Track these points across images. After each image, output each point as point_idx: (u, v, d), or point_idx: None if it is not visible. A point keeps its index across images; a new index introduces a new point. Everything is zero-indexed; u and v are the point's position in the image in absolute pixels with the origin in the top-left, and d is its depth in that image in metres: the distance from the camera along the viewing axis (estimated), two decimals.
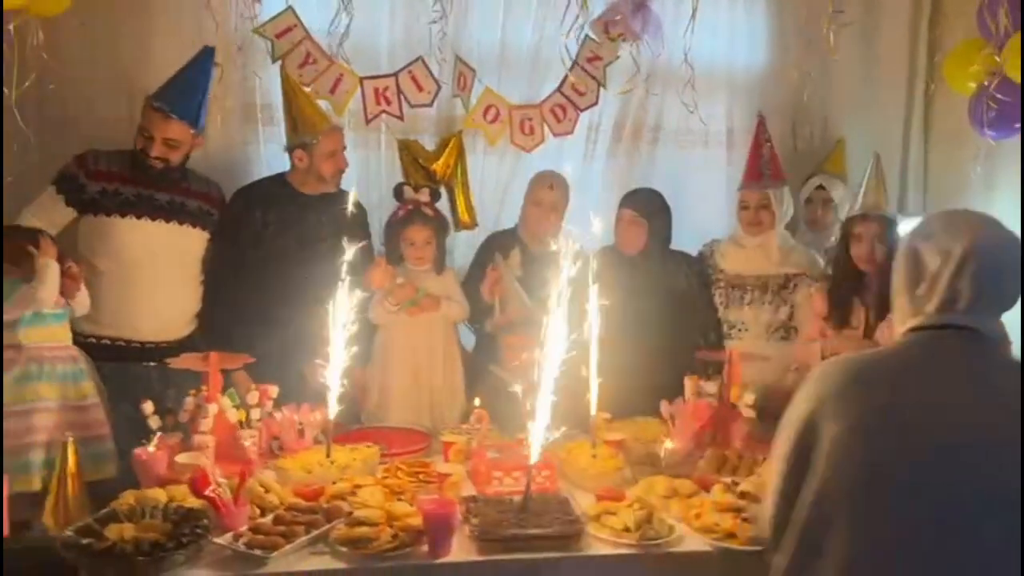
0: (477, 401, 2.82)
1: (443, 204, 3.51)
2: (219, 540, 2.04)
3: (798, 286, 3.32)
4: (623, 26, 3.52)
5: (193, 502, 2.20)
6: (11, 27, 2.87)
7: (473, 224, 3.66)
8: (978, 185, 3.60)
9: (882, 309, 2.98)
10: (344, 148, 3.28)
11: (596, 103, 3.66)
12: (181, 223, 3.11)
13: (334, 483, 2.39)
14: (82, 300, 2.85)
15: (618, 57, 3.62)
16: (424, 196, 3.36)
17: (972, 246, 1.57)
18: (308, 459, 2.56)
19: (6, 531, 2.22)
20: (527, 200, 3.43)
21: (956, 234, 1.59)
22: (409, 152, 3.57)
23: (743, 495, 2.38)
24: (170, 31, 3.33)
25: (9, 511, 2.25)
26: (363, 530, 2.05)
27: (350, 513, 2.15)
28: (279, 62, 3.35)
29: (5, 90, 2.93)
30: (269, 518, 2.15)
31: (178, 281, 3.16)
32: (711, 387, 2.92)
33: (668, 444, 2.67)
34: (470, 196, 3.65)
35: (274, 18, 3.34)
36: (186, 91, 3.02)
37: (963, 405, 1.52)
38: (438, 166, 3.58)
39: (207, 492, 2.12)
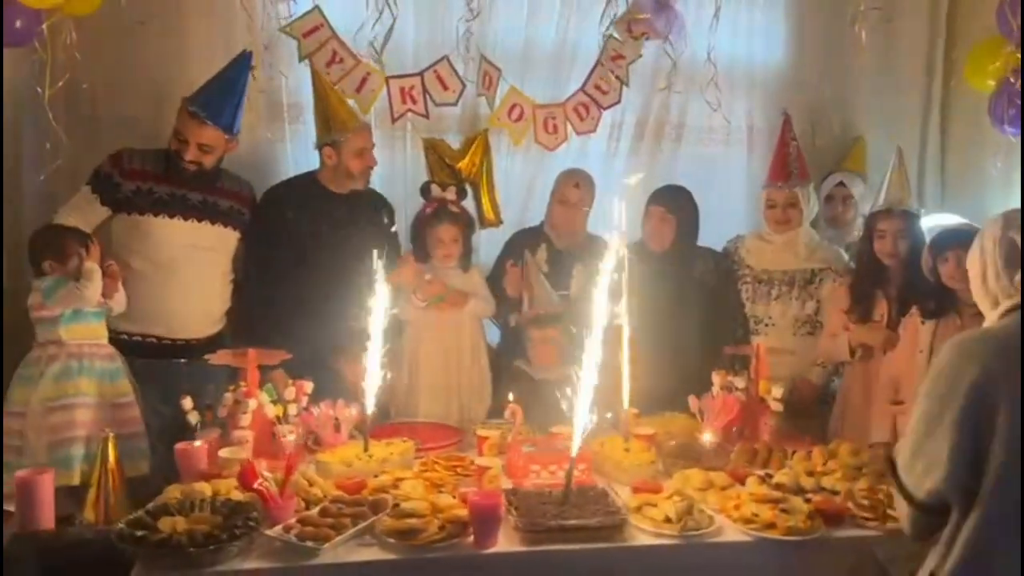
0: (511, 396, 2.85)
1: (468, 202, 3.55)
2: (269, 532, 2.06)
3: (823, 281, 3.35)
4: (646, 25, 3.55)
5: (236, 495, 2.24)
6: (44, 27, 2.90)
7: (498, 222, 3.69)
8: (997, 181, 3.64)
9: (904, 303, 3.02)
10: (372, 146, 3.30)
11: (619, 102, 3.70)
12: (213, 222, 3.15)
13: (375, 476, 2.42)
14: (119, 299, 2.89)
15: (640, 56, 3.66)
16: (450, 194, 3.40)
17: None
18: (347, 453, 2.59)
19: (50, 524, 2.26)
20: (553, 198, 3.46)
21: None
22: (435, 150, 3.61)
23: (778, 486, 2.42)
24: (199, 30, 3.37)
25: (54, 505, 2.29)
26: (411, 521, 2.08)
27: (396, 505, 2.18)
28: (305, 61, 3.38)
29: (38, 89, 2.96)
30: (315, 510, 2.18)
31: (209, 279, 3.19)
32: (739, 381, 2.95)
33: (708, 437, 2.70)
34: (495, 194, 3.69)
35: (301, 17, 3.36)
36: (222, 96, 3.04)
37: None
38: (463, 164, 3.61)
39: (256, 485, 2.15)
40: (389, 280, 2.81)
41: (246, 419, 2.62)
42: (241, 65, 3.12)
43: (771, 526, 2.18)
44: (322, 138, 3.27)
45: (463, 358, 3.33)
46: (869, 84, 3.89)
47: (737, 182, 3.89)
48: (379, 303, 2.62)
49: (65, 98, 3.12)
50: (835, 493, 2.42)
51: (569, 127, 3.67)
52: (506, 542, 2.12)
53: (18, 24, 2.85)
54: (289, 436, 2.60)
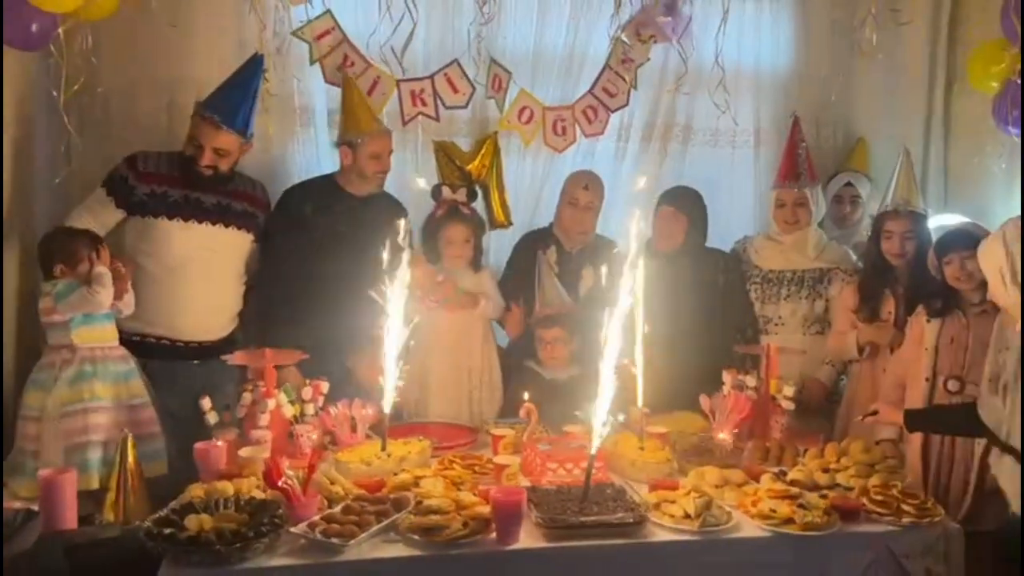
0: (526, 395, 2.88)
1: (478, 204, 3.58)
2: (295, 530, 2.09)
3: (832, 281, 3.39)
4: (654, 28, 3.58)
5: (258, 494, 2.26)
6: (60, 31, 2.91)
7: (508, 223, 3.72)
8: (1000, 181, 3.68)
9: (912, 302, 3.06)
10: (390, 152, 3.34)
11: (627, 104, 3.73)
12: (227, 225, 3.16)
13: (395, 475, 2.45)
14: (128, 300, 2.90)
15: (648, 59, 3.69)
16: (461, 196, 3.43)
17: None
18: (365, 452, 2.62)
19: (74, 524, 2.28)
20: (562, 199, 3.49)
21: None
22: (445, 153, 3.64)
23: (794, 483, 2.45)
24: (212, 34, 3.38)
25: (76, 507, 2.30)
26: (435, 518, 2.10)
27: (419, 503, 2.21)
28: (317, 64, 3.41)
29: (54, 92, 2.98)
30: (338, 508, 2.20)
31: (221, 281, 3.21)
32: (750, 380, 2.98)
33: (723, 436, 2.74)
34: (505, 196, 3.71)
35: (312, 21, 3.39)
36: (236, 100, 3.05)
37: None
38: (473, 166, 3.64)
39: (280, 483, 2.17)
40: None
41: (265, 419, 2.64)
42: (253, 68, 3.13)
43: (789, 521, 2.22)
44: (341, 137, 3.31)
45: (474, 358, 3.36)
46: (874, 86, 3.92)
47: (744, 184, 3.91)
48: (395, 304, 2.64)
49: (79, 102, 3.14)
50: (849, 489, 2.46)
51: (578, 129, 3.70)
52: (528, 539, 2.16)
53: (34, 28, 2.86)
54: (312, 435, 2.61)
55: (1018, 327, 2.21)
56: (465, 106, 3.60)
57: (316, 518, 2.14)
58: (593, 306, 3.21)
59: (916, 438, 2.89)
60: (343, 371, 3.12)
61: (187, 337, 3.13)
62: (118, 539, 2.15)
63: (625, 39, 3.62)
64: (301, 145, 3.60)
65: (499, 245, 3.71)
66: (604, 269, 2.79)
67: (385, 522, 2.13)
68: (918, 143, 3.95)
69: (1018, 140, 3.42)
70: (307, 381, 2.83)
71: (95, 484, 2.60)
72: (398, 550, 2.09)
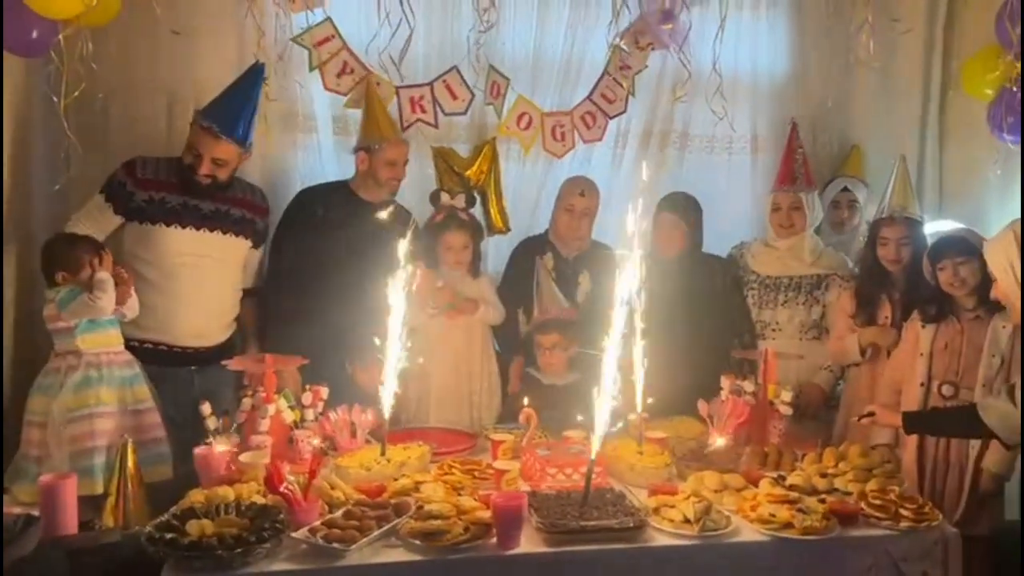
0: (526, 400, 2.89)
1: (476, 210, 3.60)
2: (296, 535, 2.09)
3: (829, 286, 3.41)
4: (653, 36, 3.60)
5: (259, 499, 2.27)
6: (61, 37, 2.92)
7: (506, 229, 3.73)
8: (995, 188, 3.71)
9: (907, 307, 3.09)
10: (406, 161, 3.36)
11: (625, 111, 3.75)
12: (224, 232, 3.16)
13: (395, 480, 2.45)
14: (132, 304, 2.90)
15: (646, 66, 3.71)
16: (460, 202, 3.45)
17: None
18: (365, 457, 2.62)
19: (74, 529, 2.28)
20: (558, 206, 3.50)
21: None
22: (444, 159, 3.65)
23: (792, 487, 2.47)
24: (212, 41, 3.39)
25: (77, 512, 2.30)
26: (436, 523, 2.11)
27: (420, 507, 2.22)
28: (317, 71, 3.43)
29: (54, 98, 2.98)
30: (339, 513, 2.21)
31: (218, 287, 3.20)
32: (748, 386, 2.99)
33: (720, 441, 2.75)
34: (503, 202, 3.73)
35: (312, 27, 3.40)
36: (236, 110, 3.04)
37: None
38: (472, 172, 3.66)
39: (281, 488, 2.17)
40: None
41: (265, 424, 2.65)
42: (253, 77, 3.13)
43: (788, 526, 2.23)
44: (359, 143, 3.34)
45: (473, 364, 3.37)
46: (870, 93, 3.95)
47: (741, 190, 3.93)
48: (397, 310, 2.65)
49: (79, 107, 3.14)
50: (847, 494, 2.47)
51: (576, 135, 3.71)
52: (528, 543, 2.16)
53: (34, 35, 2.87)
54: (313, 440, 2.62)
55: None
56: (464, 113, 3.62)
57: (317, 523, 2.15)
58: (591, 312, 3.23)
59: (912, 443, 2.91)
60: (344, 376, 3.13)
61: (184, 343, 3.13)
62: (119, 544, 2.16)
63: (623, 46, 3.64)
64: (302, 151, 3.61)
65: (497, 251, 3.73)
66: (606, 274, 2.79)
67: (386, 527, 2.14)
68: (914, 149, 3.97)
69: (1013, 147, 3.46)
70: (307, 387, 2.83)
71: (100, 489, 2.59)
72: (399, 555, 2.09)
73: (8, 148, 2.96)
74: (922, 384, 2.91)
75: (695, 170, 3.89)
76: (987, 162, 3.65)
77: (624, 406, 2.73)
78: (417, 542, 2.10)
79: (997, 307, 2.80)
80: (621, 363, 2.42)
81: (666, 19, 3.50)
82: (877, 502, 2.35)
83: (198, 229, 3.12)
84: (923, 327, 2.95)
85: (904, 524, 2.30)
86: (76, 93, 2.99)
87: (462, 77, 3.55)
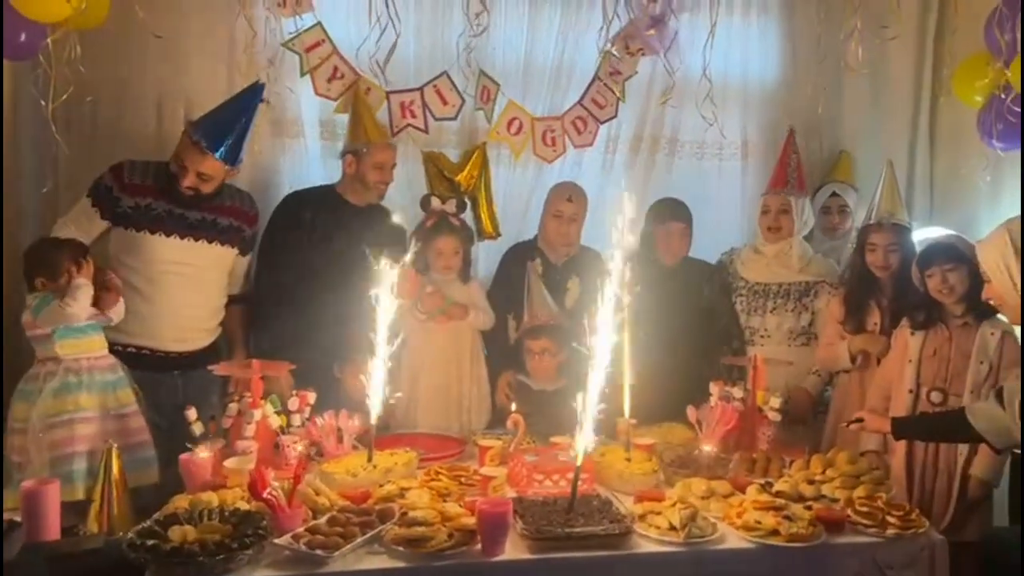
0: (514, 406, 2.88)
1: (467, 215, 3.59)
2: (279, 541, 2.08)
3: (818, 294, 3.41)
4: (642, 41, 3.61)
5: (243, 505, 2.26)
6: (49, 40, 2.91)
7: (496, 234, 3.73)
8: (984, 194, 3.72)
9: (896, 314, 3.09)
10: (394, 165, 3.36)
11: (615, 116, 3.75)
12: (210, 241, 3.13)
13: (381, 486, 2.44)
14: (118, 310, 2.89)
15: (636, 72, 3.71)
16: (451, 207, 3.44)
17: None
18: (351, 463, 2.61)
19: (56, 535, 2.27)
20: (546, 212, 3.50)
21: None
22: (434, 164, 3.65)
23: (779, 494, 2.46)
24: (202, 45, 3.39)
25: (60, 518, 2.29)
26: (420, 530, 2.10)
27: (404, 514, 2.21)
28: (307, 76, 3.43)
29: (42, 102, 2.97)
30: (323, 520, 2.19)
31: (203, 293, 3.18)
32: (737, 392, 2.99)
33: (706, 448, 2.74)
34: (493, 207, 3.73)
35: (302, 32, 3.40)
36: (227, 129, 3.00)
37: None
38: (462, 177, 3.65)
39: (265, 494, 2.16)
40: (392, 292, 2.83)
41: (250, 429, 2.64)
42: (251, 96, 3.10)
43: (774, 533, 2.23)
44: (346, 146, 3.33)
45: (463, 369, 3.36)
46: (860, 100, 3.95)
47: (731, 196, 3.93)
48: (384, 315, 2.64)
49: (67, 111, 3.13)
50: (834, 501, 2.46)
51: (567, 140, 3.71)
52: (513, 550, 2.15)
53: (23, 38, 2.87)
54: (298, 446, 2.60)
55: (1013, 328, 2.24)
56: (455, 118, 3.62)
57: (301, 529, 2.13)
58: (579, 317, 3.22)
59: (900, 448, 2.91)
60: (332, 381, 3.11)
61: (169, 347, 3.11)
62: (100, 550, 2.14)
63: (614, 52, 3.64)
64: (292, 156, 3.60)
65: (487, 256, 3.72)
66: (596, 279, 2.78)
67: (370, 534, 2.13)
68: (904, 156, 3.98)
69: (1002, 154, 3.46)
70: (294, 392, 2.82)
71: (80, 495, 2.59)
72: (383, 562, 2.08)
73: None
74: (911, 391, 2.91)
75: (685, 176, 3.88)
76: (977, 168, 3.66)
77: (612, 412, 2.74)
78: (401, 549, 2.09)
79: (985, 314, 2.81)
80: (609, 370, 2.41)
81: (653, 25, 3.50)
82: (864, 509, 2.35)
83: (183, 238, 3.09)
84: (912, 334, 2.95)
85: (891, 531, 2.29)
86: (64, 96, 2.99)
87: (452, 82, 3.54)
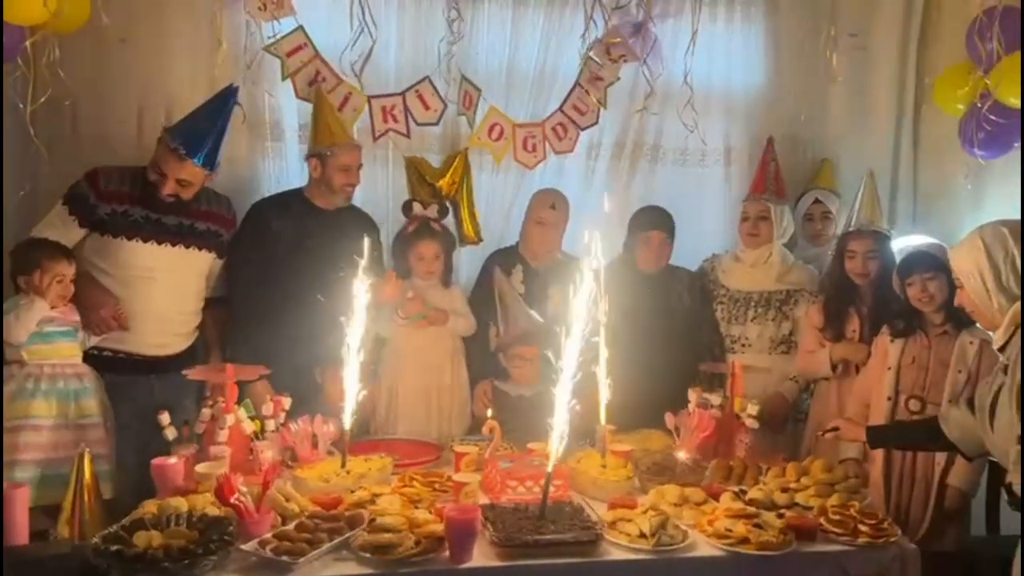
0: (490, 412, 2.87)
1: (448, 220, 3.58)
2: (245, 547, 2.07)
3: (799, 302, 3.40)
4: (624, 48, 3.61)
5: (213, 510, 2.24)
6: (28, 43, 2.91)
7: (478, 240, 3.72)
8: (967, 201, 3.72)
9: (875, 322, 3.09)
10: (360, 166, 3.34)
11: (596, 122, 3.75)
12: (188, 246, 3.12)
13: (352, 492, 2.43)
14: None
15: (618, 78, 3.71)
16: (432, 212, 3.44)
17: None
18: (324, 469, 2.60)
19: (24, 539, 2.25)
20: (528, 218, 3.49)
21: None
22: (416, 169, 3.64)
23: (751, 502, 2.45)
24: (182, 48, 3.39)
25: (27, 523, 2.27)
26: (387, 536, 2.09)
27: (372, 520, 2.20)
28: (288, 80, 3.42)
29: (20, 105, 2.97)
30: (292, 526, 2.19)
31: (180, 298, 3.18)
32: (715, 399, 2.99)
33: (681, 455, 2.73)
34: (475, 212, 3.71)
35: (284, 36, 3.40)
36: (204, 132, 3.00)
37: None
38: (444, 183, 3.64)
39: (232, 500, 2.15)
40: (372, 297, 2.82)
41: (223, 435, 2.63)
42: (225, 99, 3.09)
43: (744, 541, 2.22)
44: (311, 148, 3.30)
45: (443, 375, 3.35)
46: (843, 108, 3.95)
47: (713, 203, 3.91)
48: (358, 319, 2.63)
49: (46, 114, 3.12)
50: (808, 509, 2.45)
51: (547, 146, 3.71)
52: (482, 557, 2.14)
53: (2, 40, 2.86)
54: (267, 452, 2.59)
55: (993, 334, 2.22)
56: (436, 123, 3.61)
57: (268, 535, 2.13)
58: (560, 324, 3.20)
59: (879, 457, 2.91)
60: (313, 386, 3.10)
61: (144, 351, 3.10)
62: (66, 556, 2.12)
63: (595, 58, 3.64)
64: (271, 160, 3.59)
65: (470, 262, 3.71)
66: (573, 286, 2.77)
67: (337, 540, 2.12)
68: (887, 164, 3.98)
69: (983, 162, 3.47)
70: (269, 397, 2.81)
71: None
72: (350, 568, 2.07)
73: None
74: (889, 398, 2.91)
75: (667, 183, 3.87)
76: (959, 176, 3.66)
77: (591, 419, 2.73)
78: (368, 555, 2.08)
79: (964, 323, 2.81)
80: (584, 376, 2.40)
81: (633, 31, 3.50)
82: (836, 517, 2.34)
83: (160, 244, 3.08)
84: (891, 341, 2.96)
85: (862, 540, 2.28)
86: (43, 99, 2.99)
87: (435, 87, 3.54)
